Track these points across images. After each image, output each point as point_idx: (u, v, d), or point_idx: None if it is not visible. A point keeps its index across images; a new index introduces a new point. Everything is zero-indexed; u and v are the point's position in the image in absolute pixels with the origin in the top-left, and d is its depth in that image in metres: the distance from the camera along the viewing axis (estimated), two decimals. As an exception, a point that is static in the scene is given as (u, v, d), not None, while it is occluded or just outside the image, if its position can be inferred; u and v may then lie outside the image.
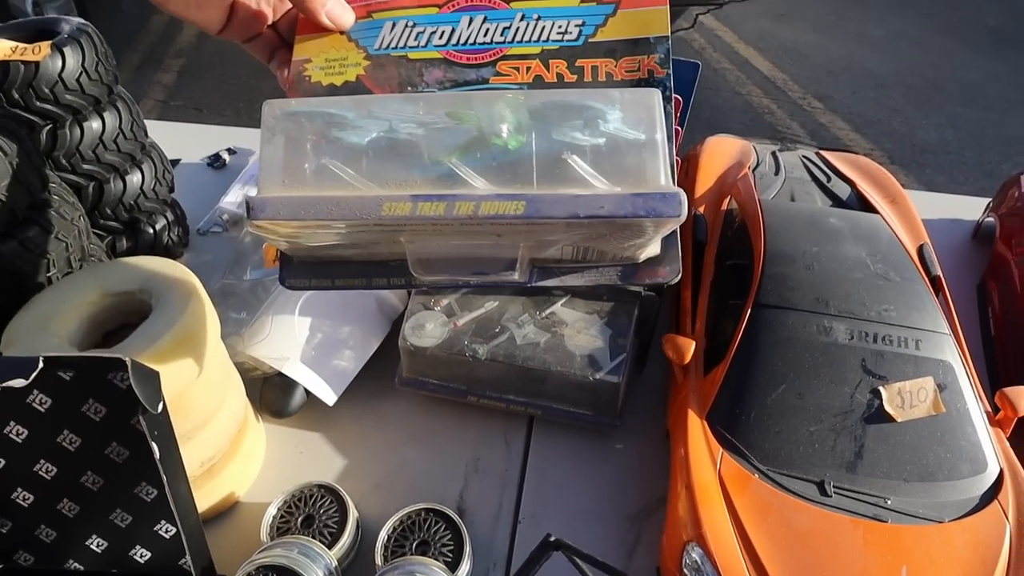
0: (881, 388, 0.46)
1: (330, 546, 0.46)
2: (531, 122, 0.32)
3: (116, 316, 0.47)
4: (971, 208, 0.85)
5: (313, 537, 0.47)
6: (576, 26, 0.39)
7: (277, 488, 0.50)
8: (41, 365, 0.35)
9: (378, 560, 0.46)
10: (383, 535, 0.47)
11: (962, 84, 3.28)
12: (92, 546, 0.42)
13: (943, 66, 3.45)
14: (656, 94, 0.33)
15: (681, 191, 0.29)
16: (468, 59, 0.39)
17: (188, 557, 0.42)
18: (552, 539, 0.39)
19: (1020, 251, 0.67)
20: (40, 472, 0.40)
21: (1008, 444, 0.47)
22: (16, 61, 0.54)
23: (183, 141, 0.92)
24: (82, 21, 0.60)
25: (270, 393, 0.56)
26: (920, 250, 0.59)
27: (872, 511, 0.43)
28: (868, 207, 0.63)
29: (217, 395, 0.48)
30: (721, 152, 0.72)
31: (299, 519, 0.48)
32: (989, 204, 0.80)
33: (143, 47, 3.46)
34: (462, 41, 0.39)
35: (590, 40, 0.38)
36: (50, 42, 0.56)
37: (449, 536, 0.48)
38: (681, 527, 0.44)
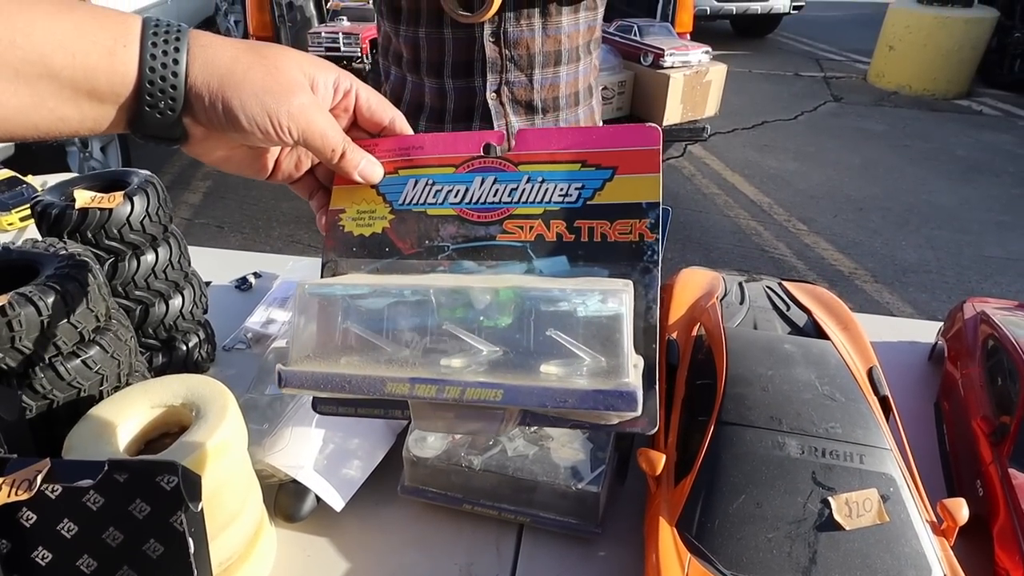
0: (830, 498, 0.52)
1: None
2: (520, 304, 0.35)
3: (159, 426, 0.54)
4: (929, 331, 0.93)
5: (317, 636, 0.51)
6: (576, 189, 0.41)
7: (286, 589, 0.55)
8: (106, 468, 0.42)
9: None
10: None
11: (936, 208, 3.49)
12: (118, 638, 0.46)
13: (918, 191, 3.68)
14: (623, 316, 0.33)
15: (638, 389, 0.31)
16: (479, 217, 0.43)
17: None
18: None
19: (965, 372, 0.75)
20: (81, 567, 0.44)
21: (951, 552, 0.52)
22: (94, 208, 0.65)
23: (215, 265, 1.03)
24: (148, 173, 0.72)
25: (284, 499, 0.62)
26: (870, 372, 0.66)
27: (827, 614, 0.47)
28: (822, 333, 0.71)
29: (240, 499, 0.54)
30: (693, 283, 0.81)
31: (305, 619, 0.52)
32: (940, 328, 0.88)
33: (174, 170, 3.77)
34: (474, 200, 0.43)
35: (588, 203, 0.40)
36: (123, 192, 0.67)
37: (442, 637, 0.51)
38: (654, 628, 0.48)
